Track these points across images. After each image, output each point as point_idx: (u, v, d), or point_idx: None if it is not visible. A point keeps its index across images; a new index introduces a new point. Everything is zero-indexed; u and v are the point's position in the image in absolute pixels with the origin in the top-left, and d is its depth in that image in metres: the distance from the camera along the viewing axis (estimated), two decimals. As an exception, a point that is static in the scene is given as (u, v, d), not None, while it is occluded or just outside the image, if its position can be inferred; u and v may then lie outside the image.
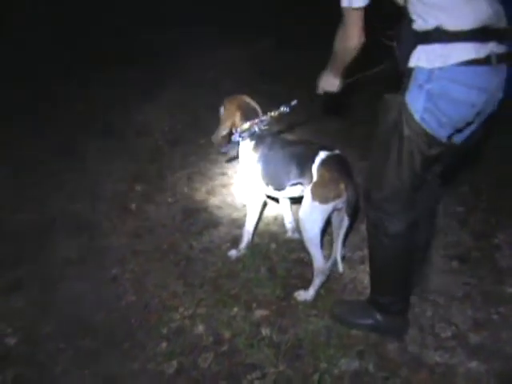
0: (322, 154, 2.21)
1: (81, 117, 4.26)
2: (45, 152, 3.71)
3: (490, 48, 1.66)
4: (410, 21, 1.71)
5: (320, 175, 2.18)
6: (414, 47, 1.72)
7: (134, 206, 3.11)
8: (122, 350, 2.15)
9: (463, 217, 2.96)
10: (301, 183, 2.30)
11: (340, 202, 2.19)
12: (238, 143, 2.52)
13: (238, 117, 2.49)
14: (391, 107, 1.81)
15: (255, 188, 2.53)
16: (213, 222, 2.94)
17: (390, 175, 1.89)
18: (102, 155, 3.69)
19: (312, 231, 2.23)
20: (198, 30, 5.90)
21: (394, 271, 2.07)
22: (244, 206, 3.06)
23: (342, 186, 2.15)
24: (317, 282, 2.32)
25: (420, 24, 1.69)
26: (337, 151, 2.26)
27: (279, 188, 2.42)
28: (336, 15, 1.85)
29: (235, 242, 2.74)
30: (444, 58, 1.65)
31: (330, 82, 2.23)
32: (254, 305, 2.33)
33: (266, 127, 2.46)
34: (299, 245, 2.69)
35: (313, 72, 2.28)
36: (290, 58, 5.32)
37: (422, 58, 1.70)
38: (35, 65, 5.18)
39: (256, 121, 2.45)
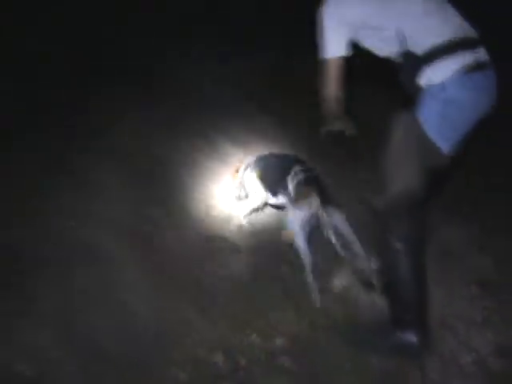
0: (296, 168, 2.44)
1: (74, 130, 4.02)
2: (34, 168, 3.30)
3: (474, 55, 1.93)
4: (409, 53, 1.96)
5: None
6: (419, 69, 1.95)
7: (145, 231, 3.05)
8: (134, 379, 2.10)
9: (482, 241, 2.93)
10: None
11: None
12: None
13: None
14: (405, 121, 2.01)
15: None
16: (229, 249, 2.89)
17: (402, 173, 2.03)
18: (101, 174, 3.34)
19: None
20: (199, 43, 5.74)
21: (409, 283, 2.07)
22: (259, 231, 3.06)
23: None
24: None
25: (418, 49, 1.94)
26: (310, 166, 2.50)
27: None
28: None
29: (252, 268, 2.71)
30: (447, 69, 1.90)
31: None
32: (271, 331, 2.29)
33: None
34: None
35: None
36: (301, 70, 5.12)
37: (431, 74, 1.93)
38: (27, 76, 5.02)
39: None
